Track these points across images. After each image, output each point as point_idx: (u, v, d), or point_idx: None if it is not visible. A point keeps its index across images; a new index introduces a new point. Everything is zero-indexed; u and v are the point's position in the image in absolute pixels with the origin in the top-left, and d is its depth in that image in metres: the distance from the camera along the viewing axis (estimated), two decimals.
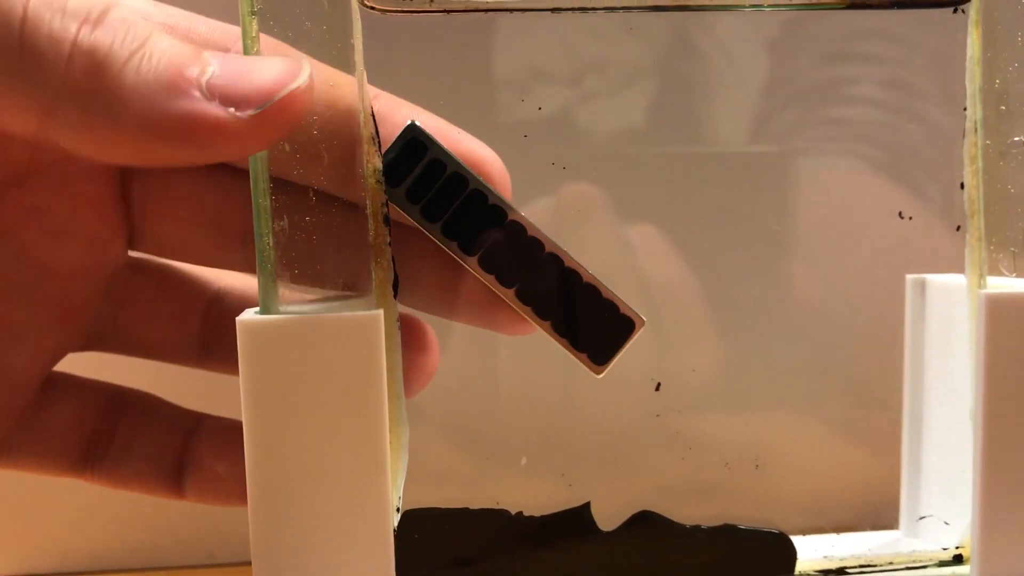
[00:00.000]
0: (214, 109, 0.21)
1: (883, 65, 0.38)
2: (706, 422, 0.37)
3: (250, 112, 0.21)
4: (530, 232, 0.26)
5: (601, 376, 0.26)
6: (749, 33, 0.38)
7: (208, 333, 0.29)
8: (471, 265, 0.26)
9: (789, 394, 0.38)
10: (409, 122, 0.25)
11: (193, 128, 0.21)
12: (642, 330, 0.26)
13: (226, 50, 0.25)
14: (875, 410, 0.38)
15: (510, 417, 0.37)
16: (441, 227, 0.25)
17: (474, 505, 0.27)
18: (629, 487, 0.36)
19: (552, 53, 0.37)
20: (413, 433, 0.27)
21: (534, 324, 0.26)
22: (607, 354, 0.26)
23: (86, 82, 0.20)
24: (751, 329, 0.38)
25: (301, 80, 0.22)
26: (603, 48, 0.37)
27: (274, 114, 0.22)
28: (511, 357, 0.37)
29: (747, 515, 0.28)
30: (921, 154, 0.38)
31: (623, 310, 0.26)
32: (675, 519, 0.27)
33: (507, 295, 0.26)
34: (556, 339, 0.26)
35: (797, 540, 0.28)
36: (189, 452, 0.29)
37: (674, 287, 0.37)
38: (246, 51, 0.24)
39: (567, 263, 0.26)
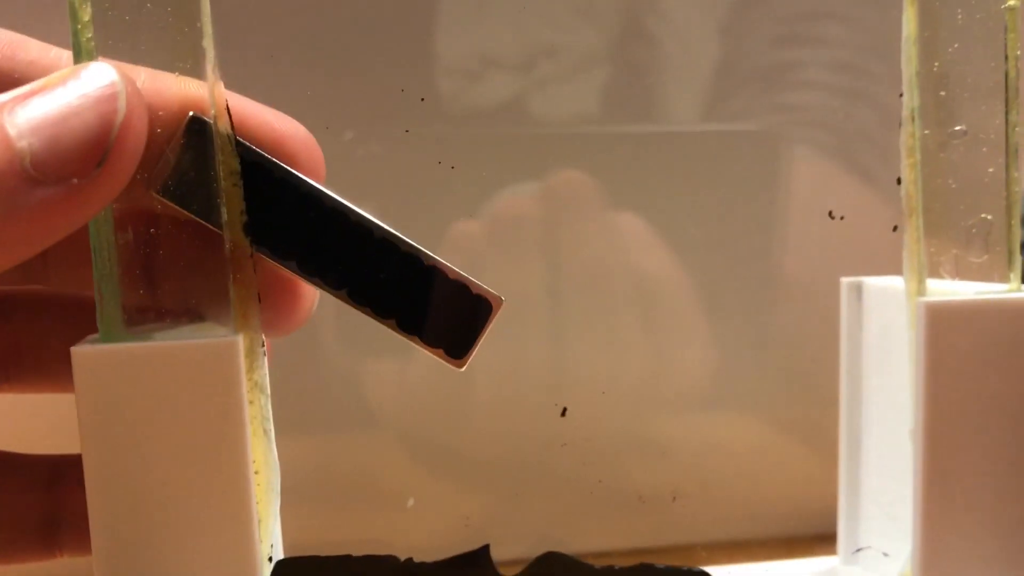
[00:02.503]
0: (58, 191, 0.18)
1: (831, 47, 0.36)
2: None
3: (94, 172, 0.19)
4: (353, 218, 0.22)
5: (463, 369, 0.23)
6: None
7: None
8: (291, 268, 0.22)
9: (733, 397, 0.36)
10: (190, 115, 0.21)
11: (48, 217, 0.19)
12: (501, 311, 0.23)
13: None
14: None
15: (397, 454, 0.34)
16: (246, 229, 0.22)
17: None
18: (534, 519, 0.33)
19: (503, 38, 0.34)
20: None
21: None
22: (465, 344, 0.23)
23: None
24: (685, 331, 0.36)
25: (121, 107, 0.19)
26: (555, 33, 0.35)
27: (118, 158, 0.19)
28: (392, 384, 0.35)
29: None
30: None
31: (476, 291, 0.23)
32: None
33: (340, 297, 0.22)
34: (405, 337, 0.23)
35: (722, 574, 0.25)
36: (60, 506, 0.25)
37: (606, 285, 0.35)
38: (77, 39, 0.21)
39: (403, 248, 0.22)
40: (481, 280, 0.22)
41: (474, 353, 0.23)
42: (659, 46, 0.36)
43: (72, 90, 0.19)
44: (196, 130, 0.21)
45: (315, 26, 0.33)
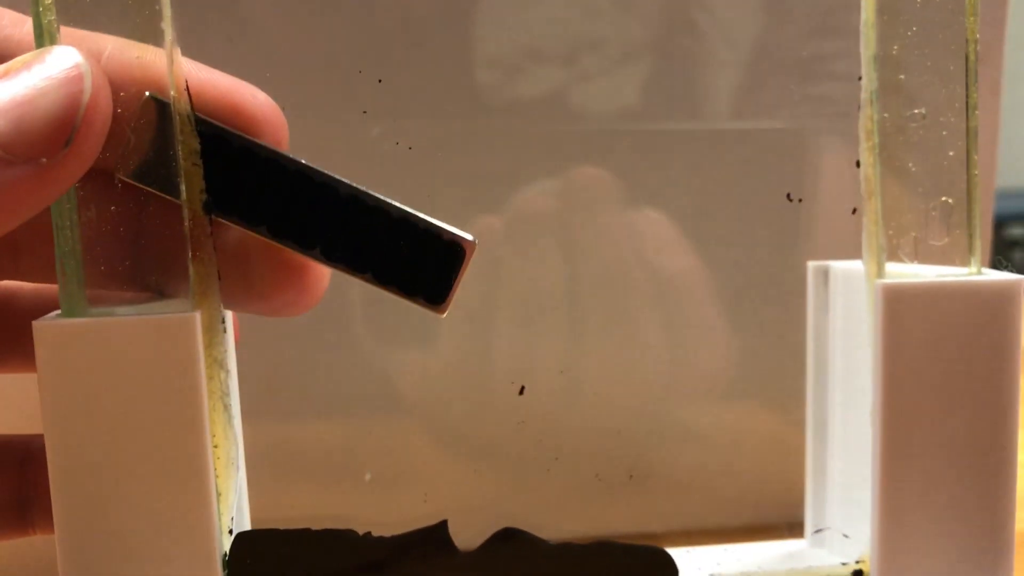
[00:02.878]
0: (25, 171, 0.19)
1: None
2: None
3: (61, 152, 0.19)
4: (317, 179, 0.22)
5: (444, 315, 0.23)
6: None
7: None
8: (263, 234, 0.22)
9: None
10: (146, 95, 0.22)
11: (17, 197, 0.19)
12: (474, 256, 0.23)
13: None
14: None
15: (363, 428, 0.35)
16: (205, 207, 0.22)
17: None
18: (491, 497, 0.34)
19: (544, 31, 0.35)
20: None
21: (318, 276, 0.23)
22: (443, 290, 0.23)
23: None
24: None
25: (87, 89, 0.19)
26: (597, 25, 0.35)
27: (85, 138, 0.19)
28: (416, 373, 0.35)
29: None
30: None
31: (448, 237, 0.23)
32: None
33: (314, 257, 0.23)
34: (383, 289, 0.23)
35: (682, 555, 0.25)
36: (30, 486, 0.26)
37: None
38: (39, 21, 0.21)
39: (370, 202, 0.22)
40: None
41: (453, 298, 0.23)
42: (698, 38, 0.35)
43: (37, 73, 0.19)
44: (156, 110, 0.22)
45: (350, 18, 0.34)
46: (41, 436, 0.26)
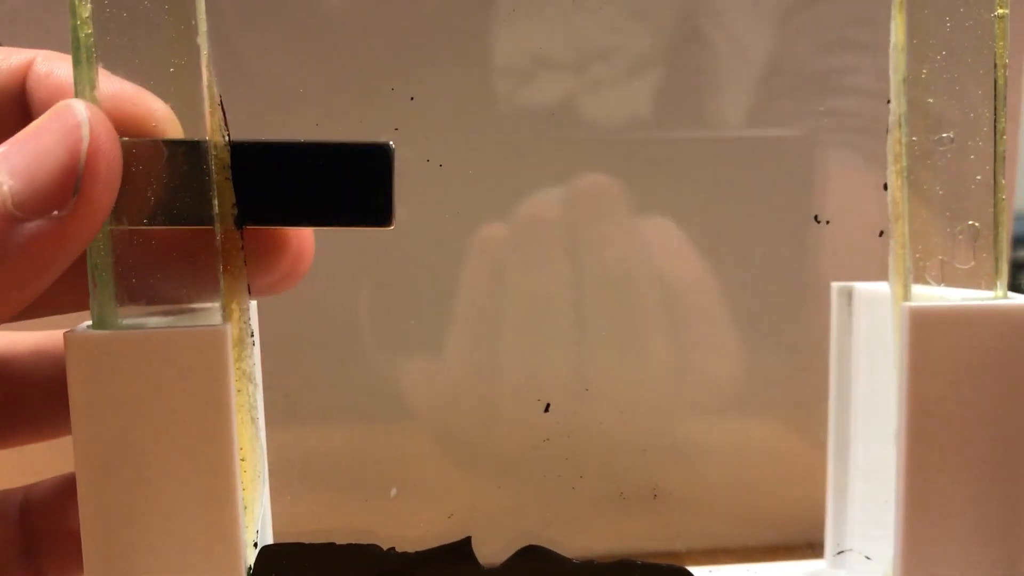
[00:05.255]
0: (42, 225, 0.19)
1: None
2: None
3: (72, 201, 0.19)
4: (205, 143, 0.21)
5: (394, 227, 0.22)
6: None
7: None
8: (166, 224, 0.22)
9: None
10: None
11: (38, 253, 0.19)
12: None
13: None
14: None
15: (382, 443, 0.35)
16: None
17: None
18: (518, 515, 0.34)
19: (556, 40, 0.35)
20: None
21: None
22: (383, 205, 0.21)
23: None
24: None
25: (84, 135, 0.20)
26: (608, 35, 0.35)
27: (92, 183, 0.20)
28: (424, 382, 0.35)
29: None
30: None
31: (362, 148, 0.21)
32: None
33: (238, 231, 0.22)
34: (327, 227, 0.22)
35: (704, 574, 0.25)
36: (33, 535, 0.26)
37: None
38: (75, 35, 0.21)
39: (272, 144, 0.21)
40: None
41: (395, 209, 0.22)
42: (711, 50, 0.35)
43: (41, 130, 0.20)
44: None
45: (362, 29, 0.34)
46: (37, 484, 0.27)
